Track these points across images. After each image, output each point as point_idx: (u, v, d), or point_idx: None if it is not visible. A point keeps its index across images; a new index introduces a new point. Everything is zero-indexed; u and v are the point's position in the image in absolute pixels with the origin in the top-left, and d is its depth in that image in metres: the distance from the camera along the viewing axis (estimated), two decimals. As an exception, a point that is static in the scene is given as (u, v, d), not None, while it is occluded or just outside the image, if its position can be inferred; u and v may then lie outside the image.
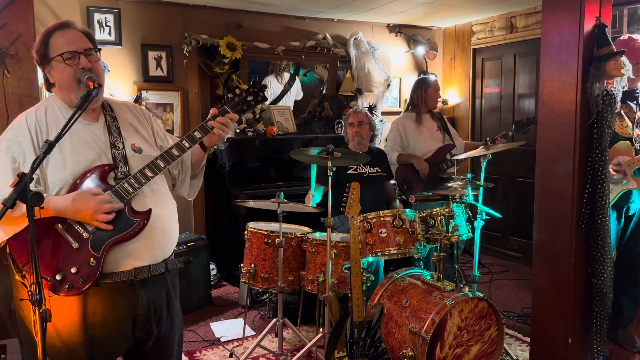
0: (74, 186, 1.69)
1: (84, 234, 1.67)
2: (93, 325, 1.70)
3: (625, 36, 3.14)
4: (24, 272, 1.64)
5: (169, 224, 1.85)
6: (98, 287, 1.67)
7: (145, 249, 1.74)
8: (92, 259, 1.65)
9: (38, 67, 1.81)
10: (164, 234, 1.81)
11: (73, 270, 1.63)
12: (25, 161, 1.66)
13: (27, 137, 1.69)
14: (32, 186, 1.57)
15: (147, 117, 1.97)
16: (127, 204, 1.71)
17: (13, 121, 1.76)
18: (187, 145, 1.80)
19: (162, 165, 1.76)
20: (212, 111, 1.84)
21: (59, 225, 1.66)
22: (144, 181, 1.73)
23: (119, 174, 1.74)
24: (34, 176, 1.62)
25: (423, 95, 4.21)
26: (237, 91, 1.96)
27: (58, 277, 1.62)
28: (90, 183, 1.69)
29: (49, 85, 1.81)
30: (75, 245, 1.65)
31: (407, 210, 3.08)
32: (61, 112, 1.76)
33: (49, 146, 1.53)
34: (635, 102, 3.12)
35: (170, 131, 4.55)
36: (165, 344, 1.89)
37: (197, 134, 1.81)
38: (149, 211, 1.73)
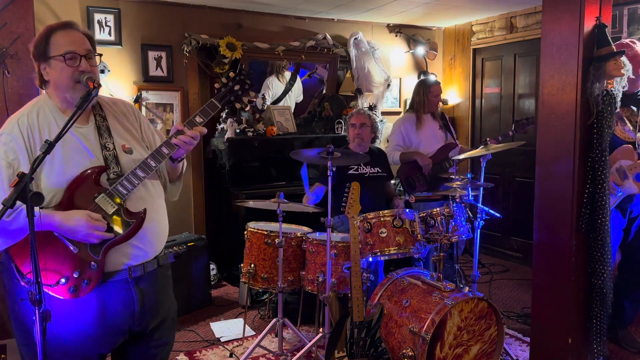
0: (69, 191, 1.70)
1: None
2: (87, 324, 1.72)
3: (622, 41, 3.11)
4: (27, 280, 1.66)
5: (159, 220, 1.87)
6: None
7: (138, 248, 1.78)
8: (92, 262, 1.68)
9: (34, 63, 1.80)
10: (155, 231, 1.84)
11: (75, 274, 1.67)
12: (19, 166, 1.66)
13: (21, 141, 1.69)
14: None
15: (137, 115, 1.98)
16: (121, 206, 1.73)
17: (4, 125, 1.74)
18: (176, 143, 1.80)
19: (153, 165, 1.76)
20: (177, 125, 1.81)
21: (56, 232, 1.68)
22: (136, 182, 1.74)
23: (112, 174, 1.75)
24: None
25: (422, 100, 4.23)
26: (224, 80, 1.96)
27: (62, 281, 1.66)
28: (84, 186, 1.71)
29: (42, 82, 1.80)
30: (75, 249, 1.68)
31: (407, 210, 3.08)
32: (52, 115, 1.76)
33: (49, 146, 1.53)
34: (637, 105, 3.10)
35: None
36: (159, 336, 1.92)
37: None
38: (144, 211, 1.75)
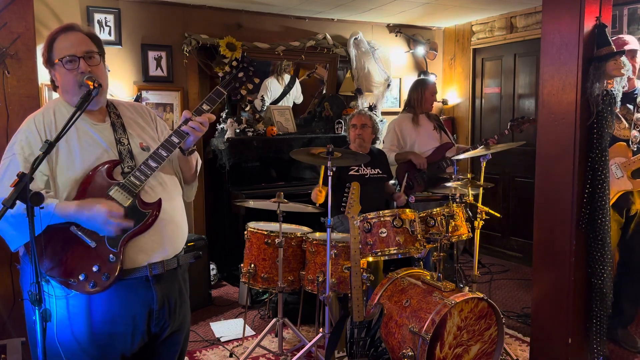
0: (83, 185, 1.71)
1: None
2: (106, 323, 1.72)
3: (623, 37, 3.12)
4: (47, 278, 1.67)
5: (178, 217, 1.87)
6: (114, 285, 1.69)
7: (157, 244, 1.77)
8: (111, 255, 1.68)
9: (44, 68, 1.84)
10: (174, 227, 1.84)
11: (94, 268, 1.66)
12: None
13: (37, 138, 1.71)
14: (42, 190, 1.62)
15: (153, 117, 2.00)
16: (136, 197, 1.72)
17: (22, 124, 1.77)
18: (186, 131, 1.80)
19: (165, 154, 1.76)
20: (185, 113, 1.81)
21: (73, 227, 1.68)
22: (149, 172, 1.74)
23: (126, 168, 1.76)
24: (44, 176, 1.68)
25: (419, 97, 4.25)
26: (227, 69, 1.98)
27: (81, 278, 1.66)
28: (98, 180, 1.72)
29: (55, 87, 1.83)
30: (92, 244, 1.68)
31: (407, 210, 3.08)
32: (68, 112, 1.76)
33: (49, 146, 1.55)
34: (633, 104, 3.12)
35: (171, 131, 4.56)
36: (176, 338, 1.93)
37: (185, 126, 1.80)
38: (159, 201, 1.76)
